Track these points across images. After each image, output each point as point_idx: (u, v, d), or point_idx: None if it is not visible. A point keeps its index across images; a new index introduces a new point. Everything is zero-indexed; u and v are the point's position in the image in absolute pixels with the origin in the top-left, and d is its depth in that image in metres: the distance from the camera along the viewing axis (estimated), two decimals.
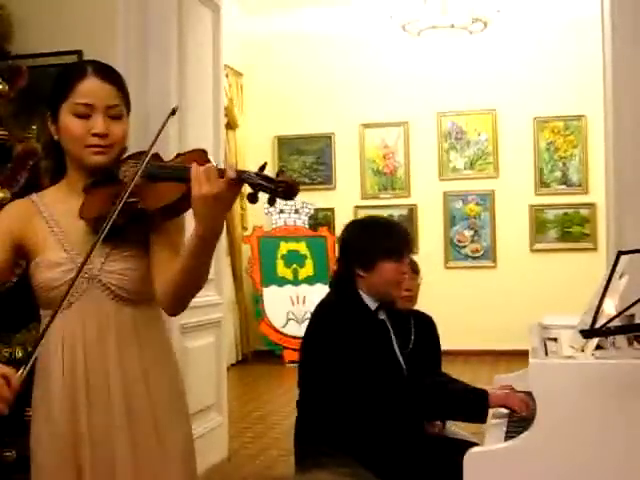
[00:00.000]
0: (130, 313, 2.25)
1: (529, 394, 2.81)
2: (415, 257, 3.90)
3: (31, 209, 2.27)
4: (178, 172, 2.11)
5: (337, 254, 3.43)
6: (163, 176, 2.16)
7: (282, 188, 1.94)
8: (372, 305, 3.24)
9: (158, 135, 2.18)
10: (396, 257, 3.22)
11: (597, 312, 2.50)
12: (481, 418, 3.07)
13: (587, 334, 2.48)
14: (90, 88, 2.20)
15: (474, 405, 3.08)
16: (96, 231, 2.15)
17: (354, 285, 3.23)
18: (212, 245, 2.04)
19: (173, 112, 2.18)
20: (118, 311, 2.23)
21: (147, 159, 2.16)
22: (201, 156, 2.15)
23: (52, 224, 2.25)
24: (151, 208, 2.14)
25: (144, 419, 2.24)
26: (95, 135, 2.20)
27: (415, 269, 3.92)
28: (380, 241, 3.21)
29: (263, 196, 1.99)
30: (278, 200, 1.96)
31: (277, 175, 1.96)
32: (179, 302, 2.19)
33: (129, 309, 2.25)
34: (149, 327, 2.31)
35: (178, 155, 2.27)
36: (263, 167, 1.98)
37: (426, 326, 3.96)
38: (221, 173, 1.95)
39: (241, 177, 1.96)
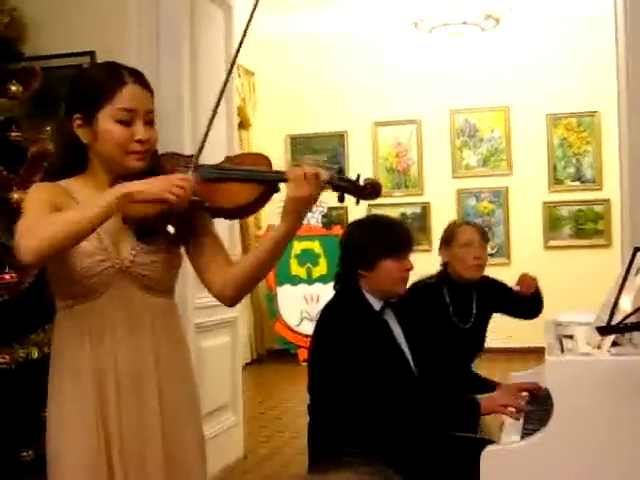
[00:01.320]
0: (157, 303, 2.30)
1: (543, 391, 2.80)
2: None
3: (64, 191, 2.25)
4: (255, 174, 2.23)
5: (339, 256, 3.39)
6: (235, 177, 2.24)
7: (368, 190, 2.28)
8: (376, 305, 3.23)
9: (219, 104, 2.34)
10: (397, 254, 3.20)
11: (614, 309, 2.49)
12: (472, 429, 3.11)
13: (604, 331, 2.47)
14: (132, 94, 2.23)
15: (464, 417, 3.10)
16: (139, 229, 2.22)
17: (357, 285, 3.22)
18: (289, 240, 2.26)
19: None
20: (146, 301, 2.27)
21: (201, 149, 2.25)
22: (266, 161, 2.29)
23: None
24: (221, 207, 2.24)
25: (172, 409, 2.29)
26: (138, 141, 2.23)
27: (485, 237, 3.97)
28: (379, 239, 3.19)
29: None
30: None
31: (357, 177, 2.26)
32: (245, 293, 2.37)
33: (155, 299, 2.30)
34: (171, 318, 2.37)
35: (228, 158, 2.34)
36: (339, 171, 2.29)
37: (489, 291, 4.03)
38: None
39: (333, 181, 2.23)
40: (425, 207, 10.03)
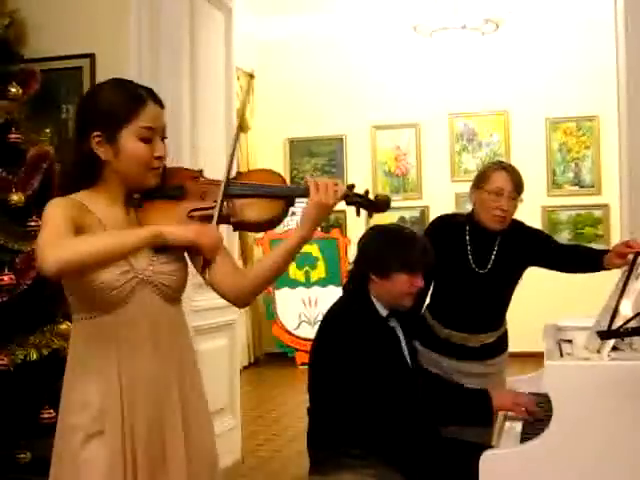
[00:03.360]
0: (174, 311, 2.38)
1: (542, 396, 2.80)
2: None
3: (82, 206, 2.27)
4: (280, 190, 2.37)
5: (354, 256, 3.38)
6: (261, 194, 2.36)
7: (379, 204, 2.38)
8: (383, 312, 3.22)
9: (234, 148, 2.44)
10: (411, 270, 3.18)
11: (614, 313, 2.49)
12: (487, 421, 3.10)
13: (604, 335, 2.47)
14: (153, 113, 2.31)
15: (479, 409, 3.10)
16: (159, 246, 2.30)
17: (366, 289, 3.21)
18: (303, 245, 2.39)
19: None
20: (165, 310, 2.34)
21: (228, 174, 2.34)
22: (280, 177, 2.43)
23: (106, 226, 2.27)
24: (247, 221, 2.37)
25: (195, 410, 2.42)
26: (157, 158, 2.31)
27: (519, 188, 3.82)
28: (400, 254, 3.15)
29: None
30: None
31: (366, 192, 2.38)
32: (257, 295, 2.49)
33: (172, 307, 2.37)
34: (185, 325, 2.46)
35: (240, 174, 2.45)
36: (351, 187, 2.36)
37: (517, 240, 3.84)
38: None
39: (348, 195, 2.34)
40: (424, 211, 10.02)
